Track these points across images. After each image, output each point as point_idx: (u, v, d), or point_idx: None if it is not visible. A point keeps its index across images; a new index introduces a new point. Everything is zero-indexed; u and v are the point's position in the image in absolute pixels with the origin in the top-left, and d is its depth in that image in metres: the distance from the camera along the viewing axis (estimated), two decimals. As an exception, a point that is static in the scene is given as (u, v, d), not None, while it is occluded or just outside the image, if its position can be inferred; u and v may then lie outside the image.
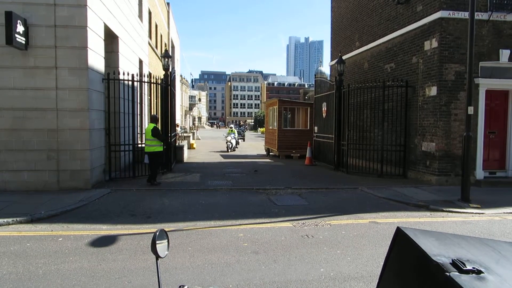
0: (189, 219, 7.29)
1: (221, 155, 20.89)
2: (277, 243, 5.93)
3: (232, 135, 25.27)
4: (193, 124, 77.05)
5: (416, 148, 12.08)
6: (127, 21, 13.91)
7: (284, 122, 19.78)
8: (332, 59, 19.11)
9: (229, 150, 23.85)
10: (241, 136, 42.10)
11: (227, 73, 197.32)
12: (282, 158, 19.08)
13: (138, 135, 13.98)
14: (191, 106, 78.16)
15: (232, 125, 31.33)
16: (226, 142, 24.65)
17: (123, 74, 11.42)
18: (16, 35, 8.70)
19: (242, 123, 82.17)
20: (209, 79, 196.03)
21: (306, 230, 6.65)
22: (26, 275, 4.61)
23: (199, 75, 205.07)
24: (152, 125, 10.69)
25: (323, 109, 15.93)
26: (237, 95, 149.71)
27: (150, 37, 20.54)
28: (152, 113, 11.86)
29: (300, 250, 5.61)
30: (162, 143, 10.90)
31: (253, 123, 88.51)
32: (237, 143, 25.89)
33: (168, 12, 31.09)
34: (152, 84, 12.51)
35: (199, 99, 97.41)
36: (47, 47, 9.29)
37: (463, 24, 10.74)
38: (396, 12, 13.25)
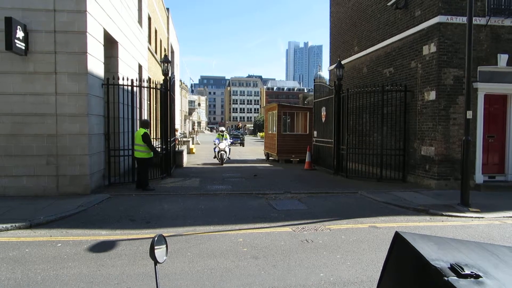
0: (188, 224, 7.27)
1: (221, 160, 20.82)
2: (276, 248, 5.91)
3: (226, 141, 18.77)
4: (193, 129, 77.10)
5: (415, 152, 12.08)
6: (127, 27, 13.96)
7: (283, 126, 19.79)
8: (331, 64, 19.16)
9: (222, 162, 17.92)
10: (240, 140, 38.27)
11: (226, 78, 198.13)
12: (282, 163, 19.07)
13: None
14: (190, 111, 78.28)
15: (222, 128, 21.60)
16: (219, 152, 17.98)
17: (123, 79, 11.44)
18: (16, 41, 8.73)
19: (240, 124, 72.15)
20: (209, 84, 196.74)
21: (305, 234, 6.64)
22: (25, 281, 4.59)
23: (199, 80, 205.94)
24: (143, 130, 10.51)
25: (322, 113, 15.96)
26: (236, 100, 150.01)
27: (149, 42, 20.61)
28: (143, 118, 11.52)
29: (299, 255, 5.60)
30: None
31: (252, 128, 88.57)
32: (230, 151, 19.50)
33: (168, 17, 31.22)
34: (151, 89, 12.53)
35: (199, 104, 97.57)
36: (47, 53, 9.32)
37: (461, 29, 10.79)
38: (395, 17, 13.31)
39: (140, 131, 10.56)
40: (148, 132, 10.68)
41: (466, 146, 8.76)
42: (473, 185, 10.82)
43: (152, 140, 10.96)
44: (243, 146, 37.05)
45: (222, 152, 17.94)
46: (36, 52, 9.28)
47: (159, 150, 12.59)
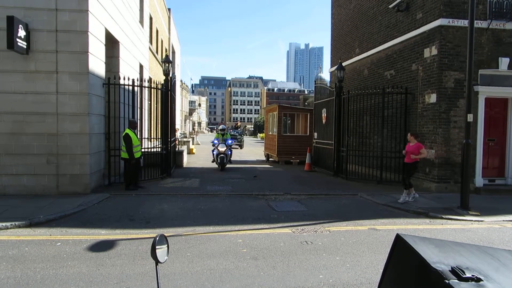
0: (188, 224, 7.27)
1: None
2: (276, 249, 5.91)
3: (229, 141, 16.27)
4: (193, 129, 77.08)
5: (415, 155, 12.06)
6: (128, 26, 13.97)
7: (283, 128, 19.79)
8: (332, 66, 19.17)
9: (222, 167, 15.46)
10: (238, 141, 33.13)
11: (227, 78, 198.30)
12: (282, 164, 19.06)
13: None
14: (191, 111, 78.26)
15: (222, 126, 17.93)
16: (218, 155, 15.40)
17: (124, 79, 11.43)
18: (18, 40, 8.73)
19: (239, 123, 61.79)
20: (209, 85, 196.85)
21: (305, 236, 6.64)
22: (24, 280, 4.59)
23: (199, 80, 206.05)
24: (126, 131, 10.40)
25: (322, 115, 15.96)
26: (237, 101, 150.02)
27: (151, 42, 20.62)
28: (130, 118, 11.29)
29: (299, 256, 5.60)
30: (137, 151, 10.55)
31: (252, 129, 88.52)
32: (231, 153, 16.55)
33: (169, 17, 31.23)
34: (152, 89, 12.52)
35: (199, 104, 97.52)
36: (48, 52, 9.32)
37: (462, 32, 10.80)
38: (396, 19, 13.33)
39: (125, 131, 10.48)
40: (131, 134, 10.34)
41: (466, 149, 8.76)
42: (473, 189, 10.82)
43: (138, 140, 10.71)
44: (242, 148, 33.54)
45: (222, 155, 15.39)
46: (37, 51, 9.29)
47: (159, 150, 12.63)
